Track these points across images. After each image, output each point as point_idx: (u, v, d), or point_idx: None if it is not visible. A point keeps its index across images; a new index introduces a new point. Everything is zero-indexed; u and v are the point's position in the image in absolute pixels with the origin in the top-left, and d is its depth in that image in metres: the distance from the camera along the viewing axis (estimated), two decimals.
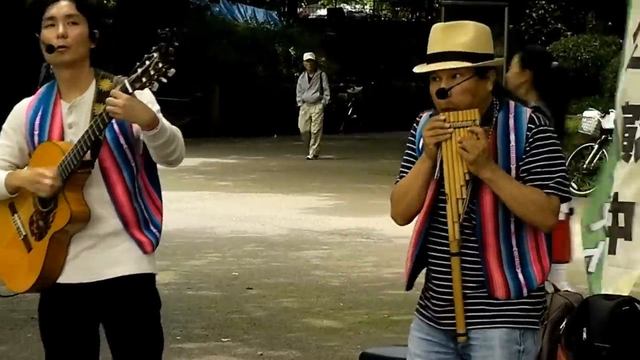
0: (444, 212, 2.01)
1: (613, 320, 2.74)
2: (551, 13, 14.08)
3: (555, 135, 2.03)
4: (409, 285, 2.09)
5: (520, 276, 2.00)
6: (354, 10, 23.35)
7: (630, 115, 2.89)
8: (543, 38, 13.84)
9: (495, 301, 2.01)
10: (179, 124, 2.35)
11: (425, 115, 2.09)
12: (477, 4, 12.94)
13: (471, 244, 2.00)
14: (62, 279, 2.23)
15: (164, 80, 2.07)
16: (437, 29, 2.00)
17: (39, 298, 2.31)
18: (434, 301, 2.05)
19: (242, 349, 4.03)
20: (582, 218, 3.14)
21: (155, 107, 2.18)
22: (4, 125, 2.30)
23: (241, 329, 4.32)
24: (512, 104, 2.04)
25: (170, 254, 5.62)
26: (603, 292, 2.91)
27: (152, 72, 2.05)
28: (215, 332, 4.27)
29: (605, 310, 2.76)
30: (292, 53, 15.75)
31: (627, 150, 2.97)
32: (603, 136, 8.94)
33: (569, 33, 13.48)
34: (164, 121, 2.15)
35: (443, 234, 2.01)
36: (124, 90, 2.08)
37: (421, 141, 2.04)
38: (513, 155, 1.99)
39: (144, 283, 2.24)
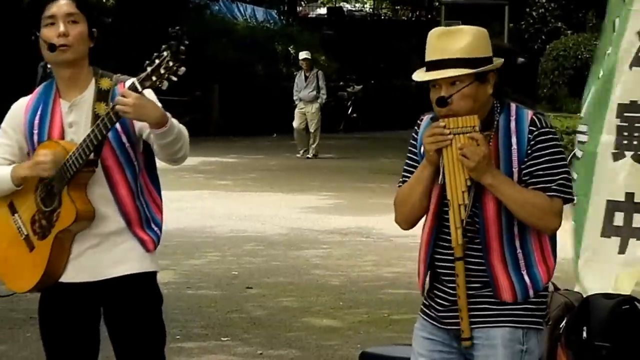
0: (448, 216, 2.01)
1: (613, 319, 2.74)
2: (551, 12, 14.07)
3: (557, 136, 2.03)
4: (424, 290, 2.08)
5: (526, 278, 2.00)
6: (353, 9, 23.34)
7: (639, 115, 2.89)
8: (543, 37, 13.84)
9: (499, 301, 2.01)
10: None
11: (426, 118, 2.09)
12: (477, 2, 12.92)
13: (475, 246, 2.00)
14: (64, 278, 2.23)
15: (174, 78, 2.06)
16: (433, 35, 1.99)
17: (39, 297, 2.31)
18: (438, 300, 2.05)
19: (241, 348, 4.03)
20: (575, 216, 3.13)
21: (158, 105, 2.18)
22: (3, 125, 2.30)
23: (241, 328, 4.31)
24: (513, 106, 2.03)
25: (170, 253, 5.61)
26: (599, 291, 2.91)
27: (162, 71, 2.05)
28: (215, 331, 4.27)
29: (605, 309, 2.75)
30: (291, 52, 15.74)
31: (637, 149, 2.96)
32: None
33: (569, 32, 13.47)
34: (172, 119, 2.15)
35: (448, 237, 2.01)
36: (134, 88, 2.08)
37: (422, 146, 2.04)
38: (515, 158, 1.99)
39: (146, 281, 2.24)
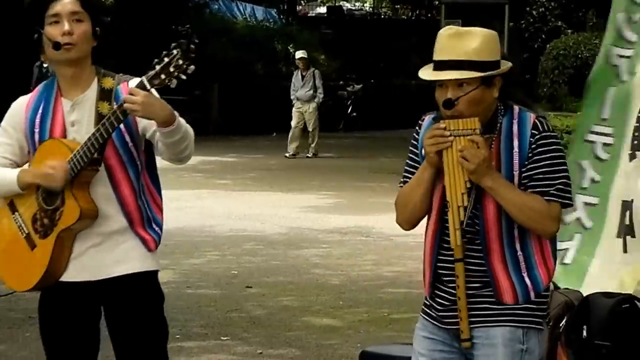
0: (448, 218, 2.01)
1: (613, 318, 2.74)
2: (551, 11, 14.07)
3: (559, 141, 2.03)
4: (430, 291, 2.08)
5: (527, 280, 2.00)
6: (353, 8, 23.33)
7: None
8: (543, 36, 13.84)
9: (499, 301, 2.01)
10: None
11: (427, 118, 2.09)
12: (477, 1, 12.91)
13: (476, 247, 2.00)
14: (65, 277, 2.22)
15: (183, 77, 2.06)
16: (444, 35, 1.99)
17: (39, 296, 2.30)
18: (439, 300, 2.05)
19: (241, 347, 4.03)
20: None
21: None
22: (3, 124, 2.29)
23: (240, 328, 4.31)
24: (516, 108, 2.03)
25: (169, 253, 5.61)
26: (599, 289, 2.91)
27: (171, 69, 2.05)
28: (215, 330, 4.27)
29: (605, 308, 2.75)
30: (291, 51, 15.73)
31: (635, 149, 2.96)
32: None
33: (569, 31, 13.47)
34: (179, 118, 2.15)
35: (449, 238, 2.01)
36: (142, 86, 2.07)
37: (423, 148, 2.04)
38: (516, 161, 1.99)
39: (148, 280, 2.25)
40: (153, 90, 2.13)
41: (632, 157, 3.07)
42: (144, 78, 2.08)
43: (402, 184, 2.10)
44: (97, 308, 2.25)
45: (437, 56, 1.99)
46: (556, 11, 13.98)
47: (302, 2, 22.70)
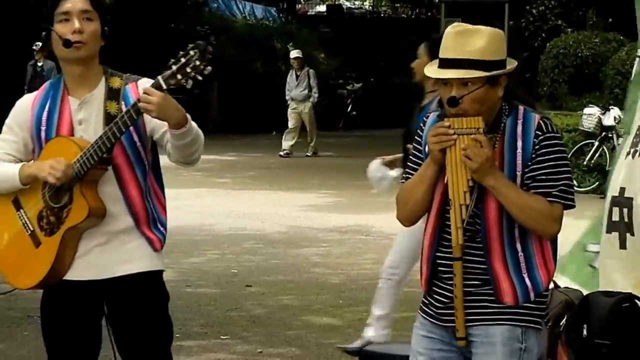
0: (449, 215, 2.01)
1: (613, 317, 2.74)
2: (551, 10, 14.05)
3: (563, 142, 2.04)
4: (428, 289, 2.07)
5: (527, 281, 2.00)
6: (353, 6, 23.30)
7: None
8: (543, 35, 13.82)
9: (498, 299, 2.00)
10: None
11: (432, 116, 2.09)
12: (477, 0, 12.91)
13: (476, 245, 2.00)
14: (70, 276, 2.22)
15: (200, 78, 2.07)
16: (450, 32, 1.99)
17: (42, 295, 2.30)
18: (437, 297, 2.05)
19: (241, 346, 4.03)
20: (598, 213, 3.13)
21: None
22: (8, 121, 2.29)
23: (240, 327, 4.31)
24: (521, 109, 2.03)
25: (169, 252, 5.58)
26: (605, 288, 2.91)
27: (188, 70, 2.05)
28: (215, 329, 4.27)
29: (605, 307, 2.75)
30: (290, 50, 15.73)
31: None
32: (603, 133, 8.93)
33: (569, 30, 13.45)
34: (191, 120, 2.16)
35: (449, 237, 2.01)
36: (158, 86, 2.07)
37: (427, 145, 2.04)
38: (519, 161, 1.99)
39: (154, 279, 2.25)
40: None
41: (628, 154, 3.08)
42: (159, 78, 2.08)
43: (404, 180, 2.10)
44: (100, 307, 2.25)
45: (442, 54, 1.99)
46: (556, 10, 13.97)
47: (301, 0, 22.68)
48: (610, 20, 12.93)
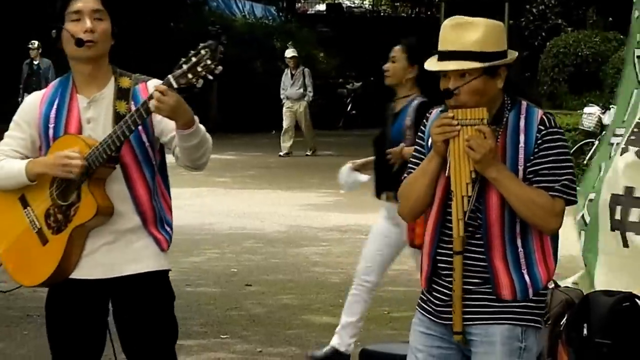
0: (450, 210, 2.01)
1: (613, 316, 2.74)
2: (551, 8, 14.04)
3: (565, 138, 2.04)
4: (428, 285, 2.07)
5: (527, 277, 1.99)
6: (352, 5, 23.29)
7: None
8: (543, 34, 13.82)
9: (498, 298, 2.00)
10: None
11: (435, 111, 2.09)
12: None
13: (476, 242, 2.00)
14: (76, 274, 2.22)
15: (210, 77, 2.07)
16: (447, 26, 1.99)
17: (47, 293, 2.29)
18: (436, 294, 2.04)
19: (241, 345, 4.02)
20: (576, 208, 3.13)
21: None
22: (16, 118, 2.29)
23: (240, 326, 4.31)
24: (523, 104, 2.02)
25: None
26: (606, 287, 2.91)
27: (199, 69, 2.05)
28: (214, 328, 4.26)
29: (605, 306, 2.75)
30: (289, 48, 15.72)
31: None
32: (603, 132, 8.91)
33: (569, 29, 13.44)
34: (198, 122, 2.16)
35: (450, 232, 2.01)
36: (168, 84, 2.07)
37: (430, 139, 2.04)
38: (521, 156, 1.98)
39: (160, 279, 2.25)
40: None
41: (624, 151, 3.07)
42: (170, 77, 2.08)
43: (406, 175, 2.09)
44: (105, 306, 2.25)
45: (440, 47, 1.99)
46: (556, 9, 13.96)
47: None
48: (611, 19, 12.92)
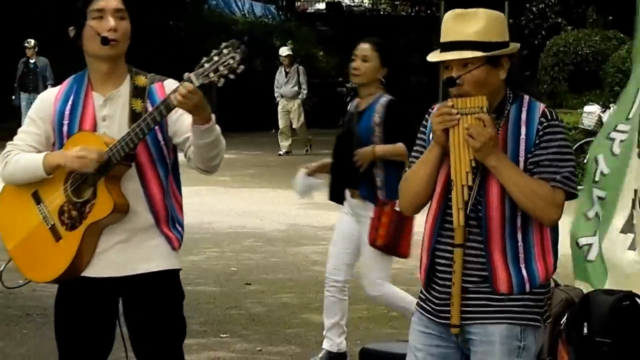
0: (450, 203, 2.00)
1: (614, 315, 2.73)
2: (551, 7, 14.03)
3: (567, 132, 2.04)
4: (426, 281, 2.06)
5: (524, 272, 1.99)
6: (352, 4, 23.27)
7: None
8: (543, 32, 13.80)
9: (497, 296, 1.99)
10: None
11: (437, 106, 2.09)
12: None
13: (477, 237, 1.99)
14: (89, 272, 2.22)
15: (232, 77, 2.08)
16: (449, 17, 2.00)
17: (57, 291, 2.28)
18: (435, 293, 2.04)
19: (240, 344, 4.02)
20: (577, 207, 3.12)
21: None
22: (31, 114, 2.30)
23: (240, 325, 4.31)
24: (525, 97, 2.02)
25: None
26: (610, 286, 2.89)
27: (221, 68, 2.07)
28: (214, 327, 4.26)
29: (605, 305, 2.75)
30: (290, 47, 15.71)
31: None
32: None
33: (569, 27, 13.43)
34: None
35: (449, 226, 2.00)
36: (189, 82, 2.08)
37: (432, 134, 2.03)
38: (522, 148, 1.98)
39: (172, 278, 2.26)
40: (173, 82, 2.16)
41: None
42: (192, 75, 2.09)
43: (407, 169, 2.10)
44: (115, 304, 2.25)
45: (442, 38, 1.99)
46: (556, 7, 13.95)
47: None
48: (611, 18, 12.91)
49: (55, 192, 2.21)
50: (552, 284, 2.90)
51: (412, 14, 21.33)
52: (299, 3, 22.16)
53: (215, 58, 2.08)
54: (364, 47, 3.63)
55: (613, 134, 3.20)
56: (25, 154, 2.24)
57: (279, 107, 11.68)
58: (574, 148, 9.35)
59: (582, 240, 3.12)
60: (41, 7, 12.86)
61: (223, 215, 7.15)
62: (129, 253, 2.21)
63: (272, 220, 7.02)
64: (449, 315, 2.01)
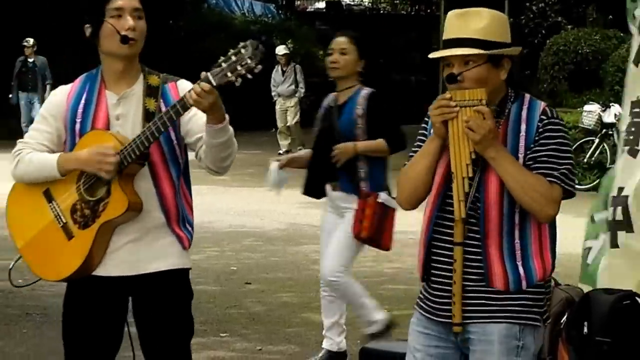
0: (449, 200, 2.00)
1: (614, 315, 2.73)
2: (551, 6, 14.03)
3: (567, 130, 2.04)
4: (424, 276, 2.05)
5: (521, 269, 1.99)
6: (352, 3, 23.27)
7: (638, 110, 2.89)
8: (543, 31, 13.80)
9: (496, 295, 1.99)
10: None
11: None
12: None
13: (475, 235, 1.99)
14: (100, 271, 2.22)
15: (249, 76, 2.09)
16: (452, 15, 2.00)
17: (66, 289, 2.28)
18: (433, 292, 2.03)
19: (240, 344, 4.03)
20: (590, 209, 3.13)
21: None
22: (42, 112, 2.29)
23: (240, 324, 4.32)
24: (527, 96, 2.03)
25: None
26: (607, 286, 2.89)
27: (239, 68, 2.07)
28: (214, 327, 4.26)
29: (606, 304, 2.74)
30: (290, 46, 15.70)
31: (633, 144, 2.95)
32: (604, 130, 8.93)
33: (569, 26, 13.43)
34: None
35: (448, 223, 2.00)
36: (207, 82, 2.09)
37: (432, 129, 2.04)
38: (522, 144, 1.98)
39: (182, 276, 2.27)
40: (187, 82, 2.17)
41: (622, 152, 3.06)
42: (209, 74, 2.09)
43: (407, 163, 2.09)
44: (125, 303, 2.25)
45: (445, 35, 2.00)
46: (556, 6, 13.95)
47: None
48: (611, 17, 12.91)
49: (67, 191, 2.21)
50: (552, 284, 2.91)
51: (412, 13, 21.33)
52: (298, 2, 22.15)
53: (233, 58, 2.08)
54: (342, 40, 3.61)
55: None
56: (38, 153, 2.23)
57: (277, 107, 11.71)
58: (573, 147, 9.38)
59: (587, 243, 3.12)
60: (40, 6, 12.86)
61: (223, 215, 7.15)
62: (140, 252, 2.21)
63: (272, 220, 7.02)
64: (447, 313, 2.00)
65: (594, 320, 2.74)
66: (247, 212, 7.35)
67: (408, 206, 2.07)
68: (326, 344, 3.75)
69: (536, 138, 1.97)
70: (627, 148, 3.00)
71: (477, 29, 1.96)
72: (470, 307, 1.99)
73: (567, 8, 14.09)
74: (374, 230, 3.55)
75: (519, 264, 1.98)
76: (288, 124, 11.69)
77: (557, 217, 2.05)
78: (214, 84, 2.09)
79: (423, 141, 2.07)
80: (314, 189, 3.70)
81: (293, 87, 11.64)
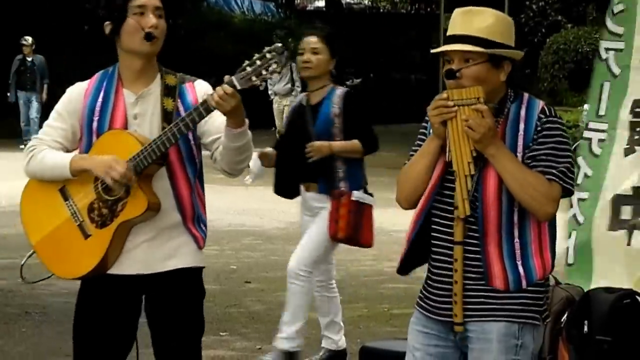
0: (448, 200, 1.99)
1: (614, 314, 2.73)
2: (551, 5, 14.03)
3: (565, 129, 2.02)
4: (401, 269, 2.06)
5: (520, 268, 1.98)
6: (352, 1, 23.26)
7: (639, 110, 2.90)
8: (543, 30, 13.81)
9: (495, 294, 1.99)
10: None
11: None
12: None
13: (474, 234, 1.98)
14: (115, 270, 2.21)
15: (270, 78, 2.13)
16: (458, 12, 2.00)
17: (79, 287, 2.28)
18: (433, 290, 2.03)
19: (240, 343, 4.02)
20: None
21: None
22: (58, 108, 2.28)
23: (240, 323, 4.31)
24: (526, 95, 2.02)
25: None
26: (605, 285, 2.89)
27: (263, 72, 2.07)
28: (214, 326, 4.26)
29: (606, 303, 2.74)
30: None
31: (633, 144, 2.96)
32: None
33: (569, 25, 13.44)
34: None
35: (446, 222, 1.99)
36: (232, 85, 2.09)
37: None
38: (521, 143, 1.97)
39: (195, 275, 2.27)
40: (206, 84, 2.19)
41: (629, 151, 3.06)
42: (234, 78, 2.10)
43: (406, 162, 2.09)
44: (139, 302, 2.25)
45: (449, 32, 2.00)
46: (556, 5, 13.95)
47: None
48: None
49: (84, 189, 2.20)
50: (553, 282, 2.90)
51: (412, 11, 21.31)
52: (298, 1, 22.14)
53: (258, 62, 2.08)
54: (312, 40, 3.58)
55: (586, 133, 3.21)
56: (51, 152, 2.23)
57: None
58: (574, 146, 9.36)
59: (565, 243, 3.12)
60: (39, 5, 12.84)
61: (222, 214, 7.14)
62: (155, 251, 2.21)
63: (272, 219, 7.02)
64: (448, 312, 2.00)
65: (594, 319, 2.74)
66: (246, 211, 7.34)
67: (407, 205, 2.07)
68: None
69: (535, 136, 1.97)
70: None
71: (480, 27, 1.95)
72: (469, 306, 1.99)
73: (567, 7, 14.09)
74: (351, 230, 3.51)
75: (519, 263, 1.97)
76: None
77: (557, 216, 2.04)
78: (238, 87, 2.09)
79: (423, 140, 2.07)
80: (285, 189, 3.67)
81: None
